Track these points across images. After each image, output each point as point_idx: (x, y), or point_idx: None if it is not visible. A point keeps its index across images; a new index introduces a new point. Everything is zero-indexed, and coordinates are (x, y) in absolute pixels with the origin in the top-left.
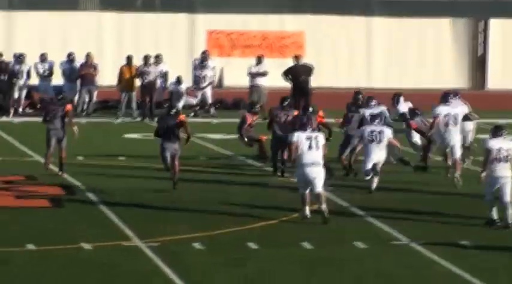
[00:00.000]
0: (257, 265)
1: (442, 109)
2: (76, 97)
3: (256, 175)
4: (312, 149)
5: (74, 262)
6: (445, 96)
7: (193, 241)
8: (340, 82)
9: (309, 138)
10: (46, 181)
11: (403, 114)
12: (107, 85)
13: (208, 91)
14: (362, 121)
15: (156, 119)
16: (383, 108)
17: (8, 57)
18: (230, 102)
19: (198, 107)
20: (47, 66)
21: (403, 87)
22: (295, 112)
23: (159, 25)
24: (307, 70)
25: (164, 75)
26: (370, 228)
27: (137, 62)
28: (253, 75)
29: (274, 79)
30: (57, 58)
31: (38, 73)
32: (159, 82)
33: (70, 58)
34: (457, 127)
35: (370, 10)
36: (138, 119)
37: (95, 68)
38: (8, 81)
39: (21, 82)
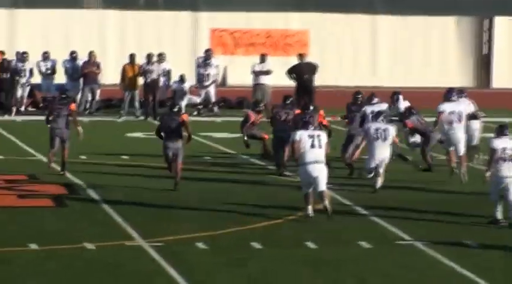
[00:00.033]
0: (260, 265)
1: (447, 107)
2: (79, 96)
3: (260, 174)
4: (314, 147)
5: (76, 262)
6: (448, 93)
7: (197, 241)
8: (345, 80)
9: (311, 137)
10: (48, 180)
11: (400, 113)
12: (109, 84)
13: (212, 90)
14: (363, 119)
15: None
16: (385, 106)
17: (11, 55)
18: (234, 101)
19: (201, 106)
20: (49, 64)
21: (408, 86)
22: (297, 111)
23: (162, 23)
24: (312, 68)
25: (167, 74)
26: (375, 228)
27: (140, 60)
28: (257, 74)
29: (279, 77)
30: (60, 56)
31: (40, 71)
32: (162, 80)
33: (73, 56)
34: (461, 124)
35: (374, 8)
36: (141, 118)
37: (97, 66)
38: (10, 80)
39: (23, 80)
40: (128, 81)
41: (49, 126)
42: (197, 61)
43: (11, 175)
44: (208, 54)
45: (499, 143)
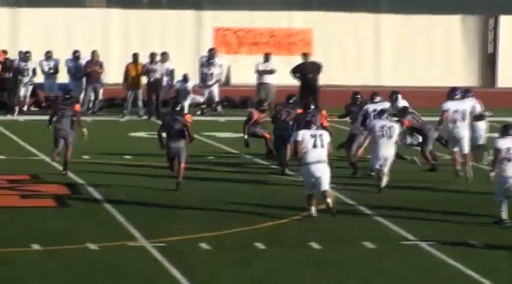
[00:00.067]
0: (264, 265)
1: (451, 105)
2: (82, 96)
3: (264, 173)
4: (316, 147)
5: (79, 262)
6: (451, 92)
7: (200, 241)
8: (349, 79)
9: (314, 136)
10: (51, 180)
11: (395, 113)
12: (112, 83)
13: (215, 89)
14: (365, 118)
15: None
16: (387, 105)
17: (13, 55)
18: (237, 100)
19: (204, 105)
20: (52, 63)
21: (412, 85)
22: (299, 111)
23: (166, 22)
24: (316, 68)
25: (171, 73)
26: (379, 228)
27: (143, 59)
28: (260, 73)
29: (282, 77)
30: (63, 55)
31: (43, 71)
32: (165, 80)
33: (75, 55)
34: (465, 122)
35: (378, 7)
36: (144, 117)
37: (100, 65)
38: (13, 79)
39: (26, 80)
40: (131, 80)
41: (53, 126)
42: (201, 60)
43: (13, 175)
44: (211, 53)
45: (504, 143)
